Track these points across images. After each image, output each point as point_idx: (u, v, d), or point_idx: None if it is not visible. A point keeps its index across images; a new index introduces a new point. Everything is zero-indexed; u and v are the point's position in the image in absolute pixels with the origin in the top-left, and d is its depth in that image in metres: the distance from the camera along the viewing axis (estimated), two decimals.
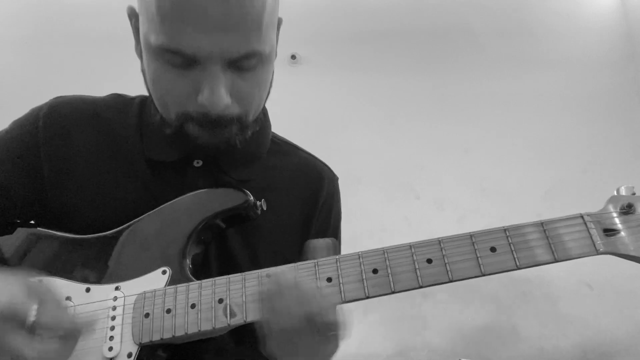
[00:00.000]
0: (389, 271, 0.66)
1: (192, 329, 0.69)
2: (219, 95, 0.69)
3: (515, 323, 2.09)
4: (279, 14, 0.86)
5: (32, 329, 0.62)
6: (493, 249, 0.65)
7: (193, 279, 0.73)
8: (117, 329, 0.71)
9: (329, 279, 0.67)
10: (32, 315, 0.62)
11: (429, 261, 0.65)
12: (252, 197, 0.78)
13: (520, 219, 0.68)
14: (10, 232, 0.82)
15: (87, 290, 0.75)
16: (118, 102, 0.90)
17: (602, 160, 2.27)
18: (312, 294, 0.64)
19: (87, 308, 0.74)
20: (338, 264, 0.68)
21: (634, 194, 0.65)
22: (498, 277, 2.08)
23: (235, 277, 0.70)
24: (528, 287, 2.13)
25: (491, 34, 2.49)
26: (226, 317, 0.68)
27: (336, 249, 0.72)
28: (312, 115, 2.34)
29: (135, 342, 0.70)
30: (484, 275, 0.64)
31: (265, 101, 0.83)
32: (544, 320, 2.09)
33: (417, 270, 0.65)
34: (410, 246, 0.67)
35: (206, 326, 0.68)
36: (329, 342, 0.67)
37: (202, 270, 0.79)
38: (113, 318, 0.72)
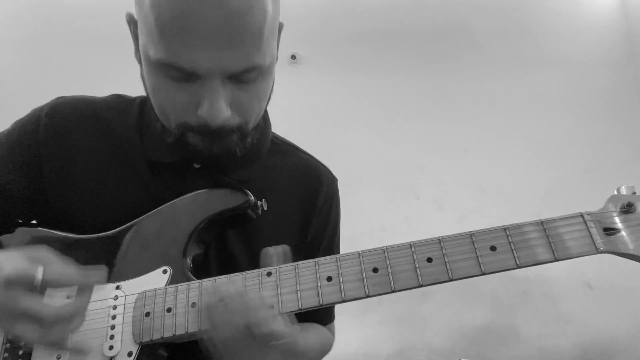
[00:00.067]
0: (389, 270, 0.66)
1: (192, 328, 0.69)
2: (219, 109, 0.69)
3: (515, 323, 2.09)
4: (280, 16, 0.87)
5: (41, 289, 0.62)
6: (493, 248, 0.65)
7: (193, 278, 0.73)
8: (118, 328, 0.71)
9: (329, 278, 0.67)
10: (39, 274, 0.62)
11: (429, 260, 0.65)
12: (252, 197, 0.78)
13: (520, 219, 0.68)
14: (12, 232, 0.82)
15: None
16: (119, 102, 0.90)
17: (602, 160, 2.27)
18: (251, 305, 0.64)
19: (88, 307, 0.74)
20: (338, 263, 0.68)
21: (634, 193, 0.65)
22: (498, 277, 2.09)
23: (235, 276, 0.70)
24: (528, 287, 2.13)
25: (491, 34, 2.49)
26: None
27: (288, 257, 0.71)
28: (312, 115, 2.34)
29: (135, 341, 0.70)
30: (484, 274, 0.64)
31: (264, 109, 0.83)
32: (544, 320, 2.09)
33: (417, 269, 0.65)
34: (411, 245, 0.67)
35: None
36: (271, 352, 0.66)
37: (202, 270, 0.79)
38: (114, 317, 0.72)
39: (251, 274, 0.70)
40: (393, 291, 0.65)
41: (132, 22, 0.76)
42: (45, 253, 0.67)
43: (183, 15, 0.63)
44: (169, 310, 0.70)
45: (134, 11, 0.74)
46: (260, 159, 0.90)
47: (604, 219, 0.64)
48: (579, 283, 2.13)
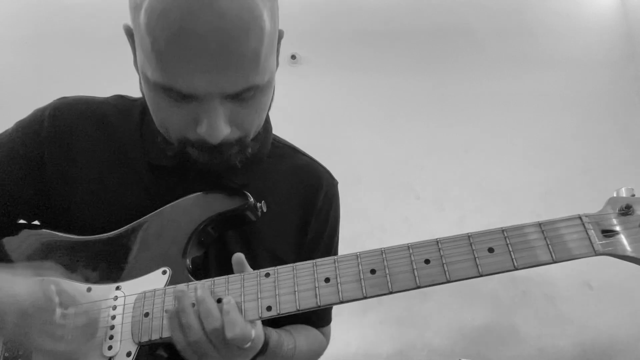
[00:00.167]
0: (387, 271, 0.66)
1: None
2: (218, 127, 0.68)
3: (515, 323, 2.09)
4: (280, 16, 0.86)
5: (57, 322, 0.63)
6: (491, 250, 0.64)
7: (193, 279, 0.73)
8: (117, 328, 0.72)
9: (327, 279, 0.67)
10: (55, 303, 0.64)
11: (427, 262, 0.65)
12: (252, 199, 0.78)
13: (520, 219, 0.68)
14: (15, 233, 0.83)
15: (89, 290, 0.76)
16: (121, 103, 0.90)
17: (602, 160, 2.27)
18: (211, 311, 0.65)
19: (88, 308, 0.74)
20: (336, 264, 0.68)
21: (633, 195, 0.65)
22: (498, 277, 2.08)
23: (234, 277, 0.70)
24: (528, 287, 2.13)
25: (491, 34, 2.49)
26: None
27: (243, 265, 0.71)
28: (312, 115, 2.34)
29: (134, 342, 0.71)
30: (481, 275, 0.63)
31: (264, 120, 0.82)
32: (544, 320, 2.09)
33: (415, 271, 0.65)
34: (409, 247, 0.66)
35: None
36: (236, 355, 0.67)
37: (202, 271, 0.79)
38: (113, 317, 0.73)
39: (249, 275, 0.70)
40: (390, 292, 0.65)
41: (130, 34, 0.75)
42: (55, 274, 0.69)
43: (179, 40, 0.62)
44: (167, 311, 0.70)
45: (131, 24, 0.74)
46: (261, 163, 0.90)
47: (603, 220, 0.63)
48: (579, 283, 2.13)
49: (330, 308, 0.99)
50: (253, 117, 0.74)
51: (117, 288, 0.75)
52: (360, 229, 2.08)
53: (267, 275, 0.70)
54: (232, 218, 0.79)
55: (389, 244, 0.68)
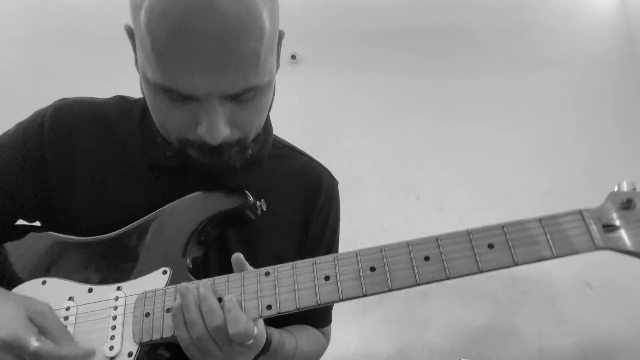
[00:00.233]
0: (387, 269, 0.65)
1: None
2: (218, 128, 0.68)
3: (515, 323, 2.09)
4: (280, 16, 0.86)
5: (33, 358, 0.63)
6: (491, 246, 0.64)
7: (193, 278, 0.73)
8: (118, 329, 0.72)
9: (327, 278, 0.67)
10: (33, 344, 0.63)
11: (427, 258, 0.65)
12: (251, 198, 0.78)
13: (519, 219, 0.68)
14: (16, 233, 0.83)
15: (90, 290, 0.76)
16: (121, 104, 0.90)
17: (602, 160, 2.28)
18: (213, 308, 0.65)
19: (89, 308, 0.74)
20: (336, 262, 0.68)
21: (634, 189, 0.64)
22: (498, 277, 2.09)
23: (234, 276, 0.70)
24: (528, 287, 2.13)
25: (491, 34, 2.50)
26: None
27: (243, 265, 0.71)
28: (312, 115, 2.35)
29: (135, 342, 0.71)
30: (481, 272, 0.63)
31: (264, 120, 0.82)
32: (544, 320, 2.09)
33: (415, 268, 0.64)
34: (408, 244, 0.66)
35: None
36: (239, 353, 0.67)
37: (202, 271, 0.79)
38: (114, 318, 0.73)
39: (249, 274, 0.70)
40: (390, 290, 0.64)
41: (131, 34, 0.75)
42: (46, 317, 0.68)
43: (179, 40, 0.62)
44: (168, 310, 0.70)
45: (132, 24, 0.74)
46: (262, 162, 0.90)
47: (603, 215, 0.62)
48: (579, 283, 2.13)
49: (331, 308, 1.00)
50: (253, 118, 0.74)
51: (118, 288, 0.75)
52: (360, 229, 2.08)
53: (267, 274, 0.70)
54: (232, 217, 0.79)
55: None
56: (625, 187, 0.64)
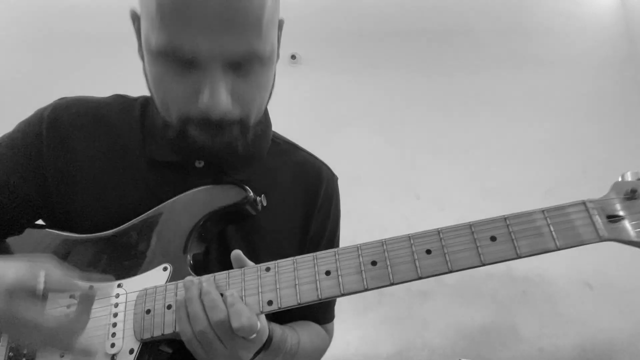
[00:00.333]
0: (388, 262, 0.65)
1: None
2: (220, 96, 0.69)
3: (515, 323, 2.09)
4: (280, 17, 0.87)
5: (43, 297, 0.63)
6: (493, 238, 0.63)
7: (194, 275, 0.73)
8: (119, 326, 0.72)
9: (328, 272, 0.67)
10: (40, 283, 0.63)
11: (428, 252, 0.64)
12: (251, 193, 0.78)
13: None
14: (17, 232, 0.83)
15: (90, 288, 0.76)
16: (120, 102, 0.90)
17: (602, 160, 2.28)
18: (216, 302, 0.65)
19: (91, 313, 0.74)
20: (337, 257, 0.67)
21: (639, 179, 0.63)
22: (498, 277, 2.09)
23: (234, 272, 0.70)
24: (528, 287, 2.13)
25: (491, 34, 2.50)
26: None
27: (243, 261, 0.71)
28: (312, 115, 2.35)
29: (136, 339, 0.71)
30: (484, 264, 0.62)
31: (267, 103, 0.83)
32: (544, 320, 2.09)
33: (416, 261, 0.64)
34: (409, 237, 0.66)
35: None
36: (241, 347, 0.67)
37: (203, 267, 0.79)
38: (115, 315, 0.73)
39: (249, 269, 0.70)
40: (392, 284, 0.64)
41: (135, 19, 0.77)
42: (47, 261, 0.68)
43: (184, 0, 0.64)
44: (169, 307, 0.70)
45: (137, 9, 0.76)
46: (261, 159, 0.90)
47: (607, 206, 0.62)
48: (579, 283, 2.13)
49: (333, 304, 0.99)
50: (254, 93, 0.75)
51: (119, 285, 0.75)
52: (360, 229, 2.08)
53: (268, 269, 0.69)
54: (232, 213, 0.79)
55: None
56: (629, 177, 0.63)
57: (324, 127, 2.32)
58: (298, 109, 2.28)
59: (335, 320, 1.03)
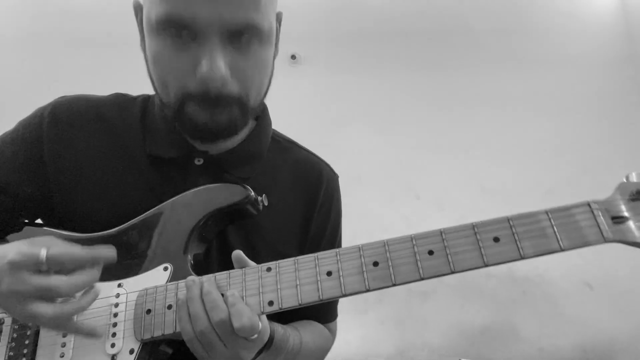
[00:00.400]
0: (390, 263, 0.64)
1: None
2: (217, 65, 0.69)
3: (515, 323, 2.09)
4: (280, 9, 0.87)
5: (47, 269, 0.63)
6: (496, 239, 0.62)
7: (194, 275, 0.73)
8: (120, 326, 0.72)
9: (329, 273, 0.66)
10: (42, 253, 0.63)
11: (431, 252, 0.64)
12: (253, 193, 0.78)
13: None
14: (17, 231, 0.82)
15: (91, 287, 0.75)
16: (121, 100, 0.90)
17: (602, 160, 2.28)
18: (217, 302, 0.65)
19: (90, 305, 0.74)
20: (338, 257, 0.67)
21: None
22: (498, 277, 2.08)
23: (235, 272, 0.70)
24: (528, 287, 2.13)
25: (491, 34, 2.50)
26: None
27: (243, 262, 0.71)
28: (312, 115, 2.35)
29: (137, 339, 0.70)
30: (487, 265, 0.61)
31: (266, 88, 0.82)
32: (544, 320, 2.09)
33: (419, 262, 0.63)
34: (412, 238, 0.65)
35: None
36: (243, 347, 0.67)
37: (204, 267, 0.79)
38: (115, 315, 0.73)
39: (250, 269, 0.70)
40: (394, 285, 0.63)
41: (139, 9, 0.78)
42: (48, 237, 0.68)
43: None
44: (169, 307, 0.70)
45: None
46: (262, 156, 0.90)
47: (612, 207, 0.61)
48: (579, 283, 2.13)
49: (336, 303, 0.99)
50: (253, 71, 0.75)
51: (119, 285, 0.75)
52: (360, 229, 2.08)
53: (269, 269, 0.69)
54: (233, 212, 0.78)
55: None
56: (634, 178, 0.62)
57: (324, 127, 2.32)
58: (298, 109, 2.28)
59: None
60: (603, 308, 2.09)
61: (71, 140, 0.83)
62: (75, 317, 0.69)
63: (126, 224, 0.80)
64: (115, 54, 2.26)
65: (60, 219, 0.82)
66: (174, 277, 0.73)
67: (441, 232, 0.65)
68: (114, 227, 0.80)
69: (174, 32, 0.70)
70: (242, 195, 0.77)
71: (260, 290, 0.68)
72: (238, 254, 0.72)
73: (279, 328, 0.76)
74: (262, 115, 0.94)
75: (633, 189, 0.61)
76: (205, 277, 0.70)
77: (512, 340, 2.07)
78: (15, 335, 0.75)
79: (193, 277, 0.69)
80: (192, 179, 0.82)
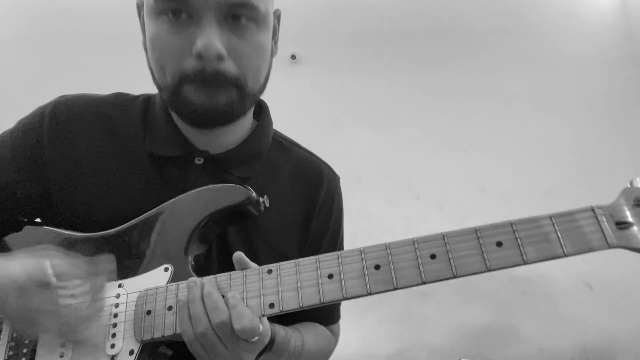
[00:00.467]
0: (392, 267, 0.64)
1: None
2: (213, 42, 0.70)
3: (515, 323, 2.09)
4: (280, 13, 0.88)
5: (55, 286, 0.63)
6: (499, 244, 0.62)
7: (195, 276, 0.73)
8: (120, 326, 0.71)
9: (330, 276, 0.66)
10: (48, 270, 0.63)
11: (433, 257, 0.63)
12: (254, 194, 0.77)
13: None
14: (17, 230, 0.82)
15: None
16: (121, 100, 0.90)
17: (602, 160, 2.28)
18: (218, 304, 0.65)
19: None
20: (340, 260, 0.66)
21: None
22: (498, 277, 2.08)
23: (236, 274, 0.70)
24: (528, 287, 2.13)
25: (491, 34, 2.50)
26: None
27: (245, 263, 0.71)
28: (312, 115, 2.34)
29: (137, 340, 0.70)
30: (489, 270, 0.61)
31: (265, 77, 0.83)
32: (544, 320, 2.09)
33: (421, 266, 0.63)
34: (414, 241, 0.65)
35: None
36: (243, 349, 0.66)
37: (204, 268, 0.79)
38: (115, 315, 0.72)
39: (251, 271, 0.70)
40: (395, 288, 0.63)
41: (141, 5, 0.79)
42: (51, 250, 0.68)
43: None
44: (169, 308, 0.70)
45: None
46: (261, 157, 0.90)
47: (616, 212, 0.60)
48: (579, 283, 2.13)
49: (339, 305, 0.99)
50: (249, 53, 0.76)
51: (119, 286, 0.75)
52: (360, 229, 2.08)
53: (270, 271, 0.69)
54: (235, 213, 0.78)
55: None
56: (639, 183, 0.62)
57: (324, 127, 2.32)
58: (298, 109, 2.28)
59: None
60: (603, 308, 2.09)
61: (72, 139, 0.83)
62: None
63: (127, 224, 0.79)
64: (115, 54, 2.26)
65: (60, 218, 0.82)
66: (175, 278, 0.73)
67: (444, 236, 0.64)
68: (114, 227, 0.80)
69: (172, 15, 0.72)
70: (244, 196, 0.77)
71: (261, 293, 0.67)
72: (239, 255, 0.72)
73: (281, 330, 0.76)
74: (262, 115, 0.94)
75: (638, 194, 0.60)
76: (206, 279, 0.70)
77: (512, 340, 2.07)
78: (14, 334, 0.75)
79: (194, 278, 0.69)
80: (192, 178, 0.82)
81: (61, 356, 0.71)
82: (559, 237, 0.61)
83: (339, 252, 0.68)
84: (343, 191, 1.01)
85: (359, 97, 2.41)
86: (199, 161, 0.84)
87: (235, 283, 0.69)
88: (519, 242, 0.62)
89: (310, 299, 0.66)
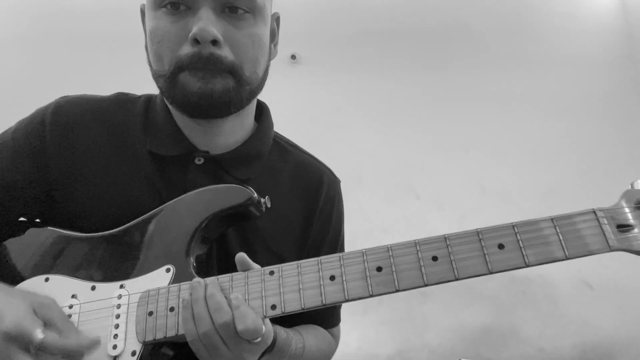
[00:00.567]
0: (394, 269, 0.64)
1: None
2: (207, 26, 0.72)
3: (515, 323, 2.09)
4: (281, 16, 0.88)
5: (38, 349, 0.62)
6: (501, 246, 0.62)
7: (197, 276, 0.73)
8: (122, 327, 0.71)
9: (332, 277, 0.66)
10: (37, 338, 0.62)
11: (435, 259, 0.63)
12: (256, 194, 0.77)
13: (521, 219, 0.67)
14: (17, 230, 0.82)
15: (93, 288, 0.75)
16: (123, 100, 0.90)
17: (602, 160, 2.28)
18: (221, 305, 0.65)
19: (92, 306, 0.74)
20: (341, 262, 0.67)
21: None
22: (498, 277, 2.08)
23: (237, 275, 0.70)
24: (528, 287, 2.13)
25: (491, 34, 2.50)
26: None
27: (247, 264, 0.71)
28: (312, 115, 2.34)
29: (139, 341, 0.70)
30: (491, 273, 0.61)
31: (263, 70, 0.83)
32: (544, 320, 2.09)
33: (422, 268, 0.63)
34: (416, 243, 0.65)
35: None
36: (246, 350, 0.66)
37: (205, 269, 0.79)
38: (117, 316, 0.72)
39: (253, 273, 0.70)
40: (397, 290, 0.63)
41: (144, 10, 0.81)
42: (50, 307, 0.67)
43: None
44: (171, 309, 0.70)
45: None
46: (262, 158, 0.89)
47: (618, 215, 0.60)
48: (579, 283, 2.13)
49: (339, 308, 0.99)
50: (247, 43, 0.77)
51: (121, 286, 0.75)
52: (360, 229, 2.08)
53: (272, 273, 0.69)
54: (236, 214, 0.78)
55: (389, 243, 0.67)
56: None
57: (324, 127, 2.32)
58: (298, 109, 2.28)
59: None
60: (603, 308, 2.09)
61: (73, 140, 0.83)
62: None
63: (128, 224, 0.79)
64: (115, 54, 2.26)
65: (62, 218, 0.82)
66: (177, 279, 0.73)
67: (445, 238, 0.64)
68: (115, 226, 0.80)
69: (171, 7, 0.74)
70: (246, 197, 0.77)
71: (263, 294, 0.67)
72: (241, 256, 0.71)
73: (282, 331, 0.76)
74: (263, 117, 0.94)
75: (639, 196, 0.60)
76: (209, 280, 0.70)
77: (512, 341, 2.07)
78: None
79: (198, 279, 0.69)
80: (192, 178, 0.82)
81: None
82: (560, 240, 0.61)
83: (340, 254, 0.68)
84: (343, 191, 1.01)
85: (359, 97, 2.40)
86: (199, 161, 0.84)
87: (237, 284, 0.69)
88: (521, 244, 0.62)
89: (312, 300, 0.66)
